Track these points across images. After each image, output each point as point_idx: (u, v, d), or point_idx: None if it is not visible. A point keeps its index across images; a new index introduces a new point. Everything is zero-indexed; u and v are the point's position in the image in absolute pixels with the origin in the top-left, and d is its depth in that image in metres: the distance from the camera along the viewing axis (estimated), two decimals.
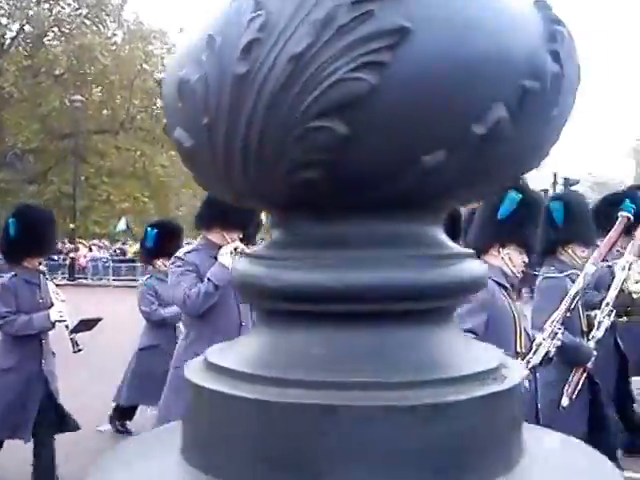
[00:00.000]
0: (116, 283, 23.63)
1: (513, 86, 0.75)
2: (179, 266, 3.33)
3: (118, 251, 28.42)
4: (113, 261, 26.45)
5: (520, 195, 2.80)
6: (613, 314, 3.54)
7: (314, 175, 0.76)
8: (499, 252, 2.88)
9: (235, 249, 3.35)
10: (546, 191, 20.68)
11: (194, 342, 3.30)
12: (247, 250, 3.42)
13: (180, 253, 3.41)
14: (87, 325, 4.71)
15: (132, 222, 27.56)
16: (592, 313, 3.60)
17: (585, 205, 3.96)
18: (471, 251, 0.97)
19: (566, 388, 3.21)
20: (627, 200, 4.66)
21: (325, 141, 0.73)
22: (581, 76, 0.89)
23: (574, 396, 3.20)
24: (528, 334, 2.85)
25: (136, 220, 28.25)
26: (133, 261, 24.97)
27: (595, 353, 3.35)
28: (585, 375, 3.29)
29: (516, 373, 0.92)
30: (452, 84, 0.72)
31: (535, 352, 2.80)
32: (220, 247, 3.37)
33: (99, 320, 4.87)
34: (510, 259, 2.87)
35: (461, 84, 0.72)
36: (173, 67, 0.84)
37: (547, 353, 2.87)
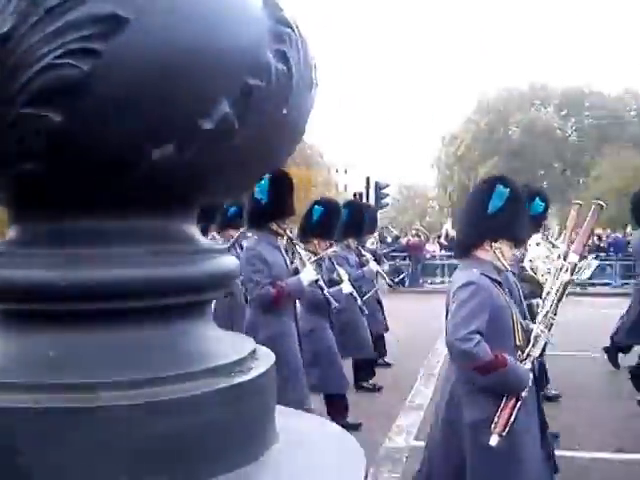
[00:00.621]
0: None
1: (236, 82, 0.76)
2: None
3: None
4: None
5: (508, 189, 2.79)
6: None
7: (32, 167, 0.71)
8: (491, 247, 2.83)
9: None
10: (360, 194, 21.60)
11: None
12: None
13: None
14: None
15: None
16: (534, 302, 3.76)
17: None
18: (222, 246, 0.97)
19: None
20: (537, 198, 5.02)
21: (39, 130, 0.68)
22: (318, 79, 0.93)
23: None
24: (522, 326, 2.85)
25: None
26: None
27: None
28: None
29: (264, 363, 0.94)
30: (173, 77, 0.71)
31: (534, 345, 2.80)
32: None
33: None
34: (502, 253, 2.84)
35: (182, 77, 0.72)
36: None
37: (545, 344, 2.87)
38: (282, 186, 4.11)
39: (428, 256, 17.86)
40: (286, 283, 4.14)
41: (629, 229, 19.43)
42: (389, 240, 18.58)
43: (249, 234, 5.09)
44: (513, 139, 43.56)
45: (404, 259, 17.66)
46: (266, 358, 0.96)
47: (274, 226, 4.15)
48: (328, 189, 40.35)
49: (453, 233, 22.03)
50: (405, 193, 48.25)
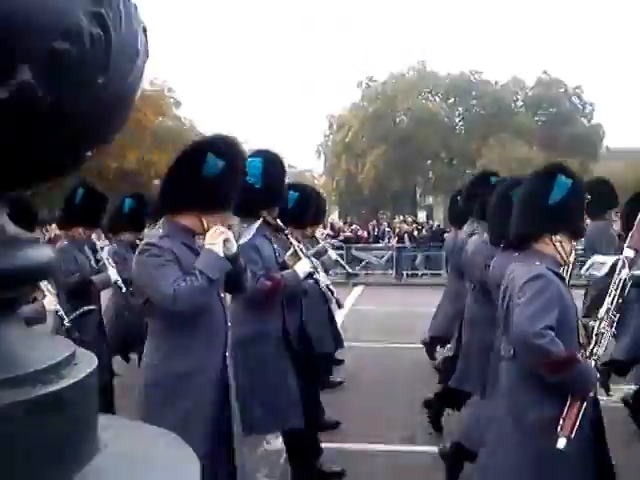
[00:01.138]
0: None
1: (41, 47, 0.70)
2: (156, 255, 2.65)
3: None
4: None
5: (570, 180, 2.80)
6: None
7: None
8: (551, 240, 2.82)
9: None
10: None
11: (171, 355, 2.70)
12: (232, 237, 2.79)
13: (152, 239, 2.77)
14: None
15: None
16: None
17: None
18: (35, 236, 0.90)
19: None
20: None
21: None
22: (147, 48, 0.88)
23: None
24: (582, 323, 2.86)
25: None
26: None
27: None
28: None
29: (84, 368, 0.88)
30: None
31: (597, 342, 2.80)
32: (194, 233, 2.82)
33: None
34: (562, 247, 2.83)
35: None
36: None
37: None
38: (275, 170, 3.88)
39: None
40: (282, 275, 3.92)
41: None
42: None
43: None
44: (401, 127, 44.96)
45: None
46: (87, 363, 0.91)
47: (265, 215, 3.89)
48: None
49: (340, 224, 22.43)
50: (291, 180, 48.72)
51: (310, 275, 4.23)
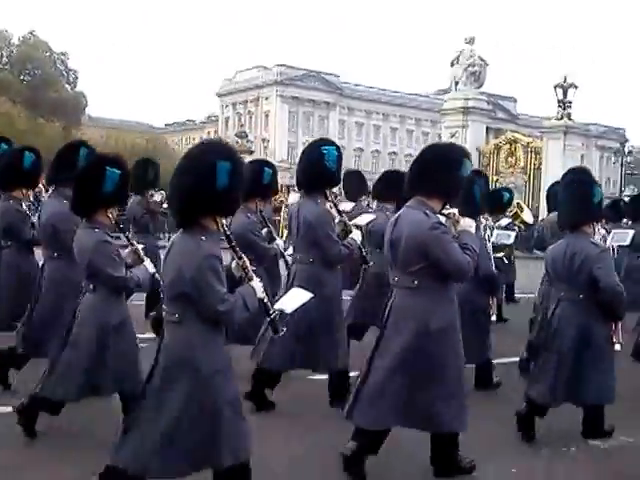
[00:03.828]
0: None
1: None
2: (446, 232, 3.24)
3: None
4: None
5: (600, 187, 4.21)
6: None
7: None
8: (594, 225, 4.19)
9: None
10: None
11: (443, 307, 3.30)
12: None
13: (436, 218, 3.26)
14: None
15: None
16: None
17: None
18: None
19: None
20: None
21: None
22: None
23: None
24: None
25: None
26: None
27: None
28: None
29: None
30: None
31: None
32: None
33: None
34: (596, 230, 4.32)
35: None
36: None
37: None
38: (341, 156, 4.39)
39: None
40: (349, 243, 4.37)
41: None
42: None
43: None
44: None
45: None
46: None
47: (328, 192, 4.35)
48: None
49: None
50: None
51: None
